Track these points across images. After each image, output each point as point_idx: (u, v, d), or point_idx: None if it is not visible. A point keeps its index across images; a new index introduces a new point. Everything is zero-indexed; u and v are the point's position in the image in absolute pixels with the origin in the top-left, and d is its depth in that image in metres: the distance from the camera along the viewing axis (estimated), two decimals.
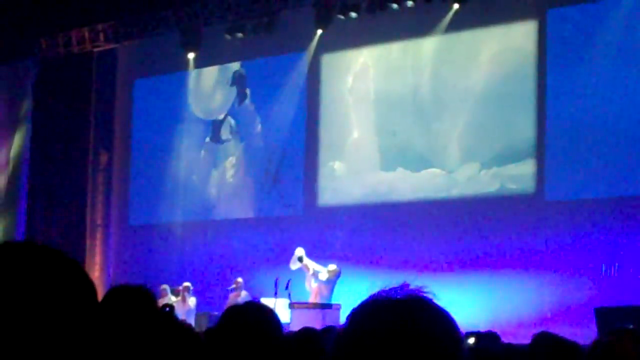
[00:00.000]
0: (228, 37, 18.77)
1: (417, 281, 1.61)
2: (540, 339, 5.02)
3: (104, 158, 20.96)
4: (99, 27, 20.24)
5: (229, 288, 16.64)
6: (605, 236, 14.64)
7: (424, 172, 16.84)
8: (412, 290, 1.59)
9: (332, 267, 15.28)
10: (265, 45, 18.48)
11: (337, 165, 17.97)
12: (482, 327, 9.99)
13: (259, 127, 19.01)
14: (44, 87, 21.24)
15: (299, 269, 15.67)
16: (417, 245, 16.38)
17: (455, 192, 16.49)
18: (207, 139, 19.74)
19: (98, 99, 21.01)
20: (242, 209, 19.09)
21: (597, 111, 15.01)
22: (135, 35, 20.02)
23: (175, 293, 16.85)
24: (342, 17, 17.50)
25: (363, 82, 17.74)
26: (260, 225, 18.58)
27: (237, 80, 19.41)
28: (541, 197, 15.60)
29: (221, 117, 19.59)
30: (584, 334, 9.52)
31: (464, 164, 16.47)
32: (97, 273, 20.05)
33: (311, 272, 15.36)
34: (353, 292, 14.87)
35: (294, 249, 17.51)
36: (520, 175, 15.87)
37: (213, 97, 19.75)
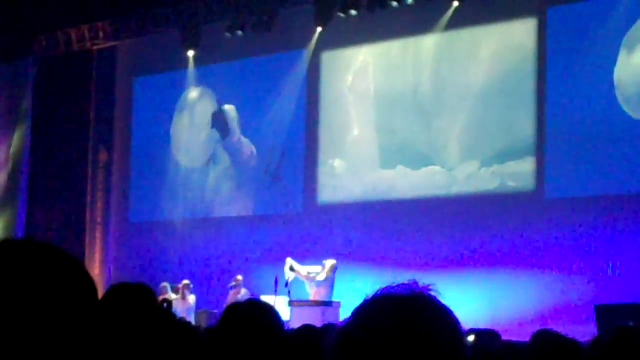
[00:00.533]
0: (228, 34, 18.76)
1: (421, 277, 1.61)
2: (540, 337, 5.02)
3: (103, 155, 20.95)
4: (99, 24, 20.23)
5: (229, 285, 16.65)
6: (604, 233, 14.64)
7: (423, 169, 16.84)
8: (417, 287, 1.59)
9: (329, 263, 15.24)
10: (265, 43, 18.47)
11: (337, 162, 17.97)
12: (482, 325, 10.00)
13: (258, 125, 18.99)
14: (43, 84, 21.23)
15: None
16: (417, 242, 16.38)
17: (455, 189, 16.49)
18: (207, 137, 19.73)
19: (98, 97, 21.00)
20: (241, 207, 19.09)
21: (597, 109, 15.01)
22: (134, 32, 20.01)
23: (175, 290, 16.86)
24: (341, 14, 17.48)
25: (363, 79, 17.74)
26: (260, 223, 18.58)
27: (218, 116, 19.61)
28: (541, 195, 15.60)
29: (221, 115, 19.57)
30: (584, 332, 9.52)
31: (463, 162, 16.47)
32: (96, 270, 20.05)
33: (305, 274, 15.33)
34: (352, 289, 14.88)
35: (294, 247, 17.54)
36: (520, 173, 15.87)
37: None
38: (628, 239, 14.39)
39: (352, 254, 16.52)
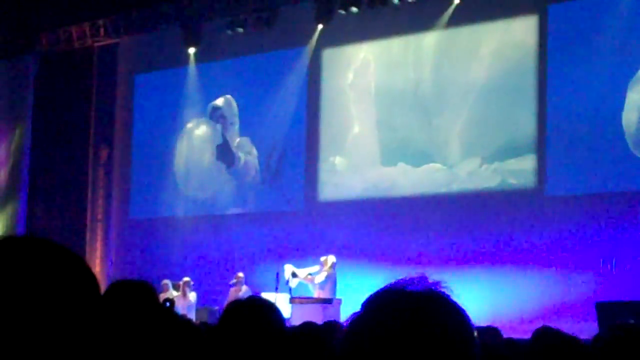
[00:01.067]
0: (229, 32, 18.76)
1: (432, 274, 1.61)
2: (541, 334, 5.02)
3: (104, 153, 20.96)
4: (100, 22, 20.23)
5: (230, 283, 16.66)
6: (606, 231, 14.64)
7: (424, 167, 16.84)
8: (429, 284, 1.59)
9: (328, 260, 15.22)
10: (265, 40, 18.47)
11: (338, 160, 17.97)
12: (483, 322, 10.00)
13: (259, 123, 18.99)
14: (44, 82, 21.24)
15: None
16: (418, 240, 16.38)
17: (456, 187, 16.49)
18: (208, 135, 19.73)
19: (98, 94, 21.01)
20: (242, 204, 19.10)
21: (598, 106, 15.01)
22: (135, 30, 20.01)
23: (176, 288, 16.86)
24: (342, 12, 17.48)
25: (364, 77, 17.73)
26: (261, 220, 18.58)
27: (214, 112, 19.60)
28: (542, 192, 15.60)
29: (222, 112, 19.57)
30: (585, 329, 9.53)
31: (464, 159, 16.47)
32: (97, 268, 20.06)
33: (306, 276, 15.32)
34: (354, 287, 14.90)
35: (295, 244, 17.55)
36: (521, 170, 15.87)
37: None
38: (629, 236, 14.38)
39: (353, 252, 16.52)
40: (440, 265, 15.56)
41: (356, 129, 17.79)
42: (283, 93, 18.63)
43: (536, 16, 16.02)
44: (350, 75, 17.93)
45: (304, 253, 17.13)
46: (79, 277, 1.52)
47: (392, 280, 1.60)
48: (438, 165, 16.71)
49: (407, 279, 1.59)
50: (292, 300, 14.99)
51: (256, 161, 19.04)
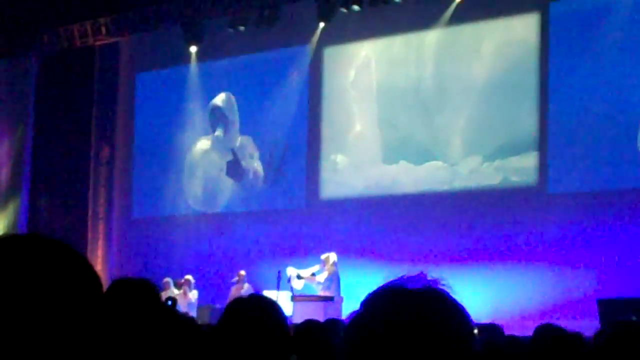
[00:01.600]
0: (230, 30, 18.75)
1: (434, 272, 1.61)
2: (543, 331, 5.03)
3: (106, 151, 20.96)
4: (101, 20, 20.21)
5: (232, 281, 16.67)
6: (607, 228, 14.63)
7: (426, 165, 16.84)
8: (429, 281, 1.59)
9: (330, 259, 15.22)
10: (267, 39, 18.46)
11: (340, 158, 17.97)
12: (485, 319, 10.00)
13: (261, 121, 18.99)
14: (46, 81, 21.23)
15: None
16: (420, 238, 16.39)
17: (458, 184, 16.49)
18: (210, 132, 19.73)
19: (100, 93, 21.01)
20: (244, 202, 19.10)
21: (600, 103, 15.00)
22: (137, 28, 19.99)
23: (178, 286, 16.86)
24: (344, 10, 17.47)
25: (365, 75, 17.73)
26: (262, 218, 18.58)
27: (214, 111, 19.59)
28: (544, 190, 15.60)
29: (223, 110, 19.57)
30: (587, 326, 9.52)
31: (466, 157, 16.47)
32: (99, 266, 20.06)
33: (309, 276, 15.31)
34: (355, 284, 14.89)
35: (297, 242, 17.55)
36: (522, 168, 15.86)
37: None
38: (631, 233, 14.38)
39: (354, 249, 16.52)
40: (442, 262, 15.55)
41: (358, 127, 17.79)
42: (285, 91, 18.62)
43: (538, 14, 16.01)
44: (352, 73, 17.92)
45: (305, 251, 17.13)
46: (82, 275, 1.52)
47: (392, 278, 1.61)
48: (439, 163, 16.71)
49: (406, 276, 1.59)
50: (293, 298, 14.99)
51: (258, 159, 19.03)
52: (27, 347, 1.43)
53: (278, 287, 15.15)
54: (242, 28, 18.68)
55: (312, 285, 15.26)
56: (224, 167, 19.44)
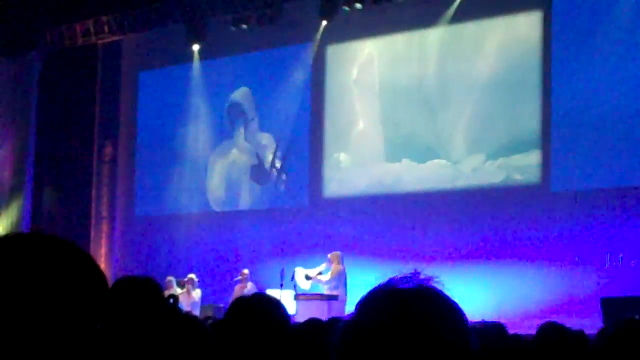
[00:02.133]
0: (233, 28, 18.74)
1: (426, 270, 1.61)
2: (546, 330, 5.02)
3: (109, 150, 20.97)
4: (104, 19, 20.21)
5: (235, 280, 16.67)
6: (611, 226, 14.62)
7: (429, 163, 16.83)
8: (421, 280, 1.59)
9: (335, 257, 15.19)
10: (270, 37, 18.46)
11: (343, 156, 17.96)
12: (488, 318, 10.01)
13: (264, 119, 18.99)
14: (49, 79, 21.24)
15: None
16: (423, 236, 16.38)
17: (461, 183, 16.48)
18: (213, 131, 19.72)
19: (103, 91, 21.01)
20: (247, 201, 19.11)
21: (603, 101, 14.99)
22: (140, 27, 19.98)
23: (181, 285, 16.86)
24: (346, 8, 17.46)
25: (368, 73, 17.72)
26: (265, 217, 18.58)
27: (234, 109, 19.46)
28: (547, 188, 15.59)
29: (242, 108, 19.48)
30: (590, 325, 9.52)
31: (469, 155, 16.46)
32: (102, 265, 20.06)
33: (316, 275, 15.30)
34: (358, 283, 14.88)
35: (300, 241, 17.54)
36: (525, 166, 15.86)
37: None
38: (634, 231, 14.37)
39: (357, 248, 16.52)
40: (444, 261, 15.56)
41: (360, 125, 17.78)
42: (287, 89, 18.62)
43: (540, 11, 16.00)
44: (355, 71, 17.92)
45: (308, 249, 17.14)
46: (87, 272, 1.52)
47: (385, 278, 1.61)
48: (442, 161, 16.70)
49: (399, 276, 1.59)
50: (297, 296, 14.99)
51: (261, 157, 19.05)
52: (33, 344, 1.43)
53: (281, 286, 15.14)
54: (244, 26, 18.68)
55: (320, 285, 15.25)
56: (245, 168, 19.39)
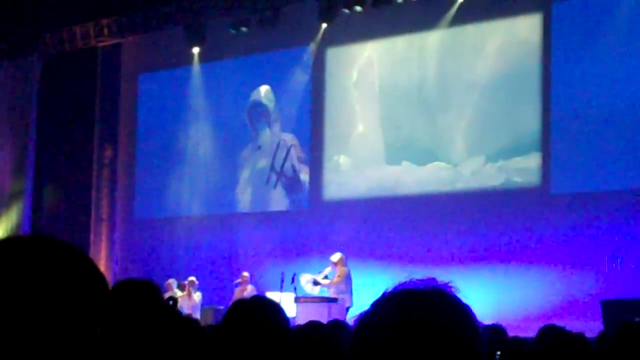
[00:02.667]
0: (233, 31, 18.76)
1: (429, 275, 1.63)
2: (546, 332, 5.02)
3: (108, 152, 20.97)
4: (103, 22, 20.22)
5: (235, 282, 16.67)
6: (610, 229, 14.62)
7: (429, 165, 16.84)
8: (437, 283, 1.60)
9: (338, 259, 15.17)
10: (269, 39, 18.47)
11: (342, 159, 17.97)
12: (488, 320, 10.00)
13: (260, 117, 19.00)
14: (49, 82, 21.24)
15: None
16: (422, 238, 16.38)
17: (461, 185, 16.49)
18: (212, 134, 19.72)
19: (103, 94, 21.02)
20: (247, 203, 19.11)
21: (603, 104, 15.00)
22: (139, 30, 20.00)
23: (181, 287, 16.87)
24: (346, 10, 17.47)
25: (368, 75, 17.73)
26: (265, 220, 18.59)
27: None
28: (547, 190, 15.59)
29: (265, 109, 19.41)
30: (590, 327, 9.51)
31: (469, 157, 16.46)
32: (102, 267, 19.97)
33: (321, 279, 15.28)
34: (358, 285, 14.89)
35: (300, 243, 17.53)
36: (525, 169, 15.86)
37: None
38: (634, 234, 14.37)
39: (357, 250, 16.51)
40: (444, 263, 15.56)
41: (360, 128, 17.79)
42: (287, 92, 18.63)
43: (540, 14, 16.01)
44: (355, 74, 17.93)
45: (308, 252, 17.14)
46: (87, 275, 1.52)
47: (398, 279, 1.63)
48: (442, 164, 16.71)
49: (416, 279, 1.61)
50: (297, 299, 14.98)
51: (261, 160, 19.05)
52: (34, 347, 1.43)
53: (281, 289, 15.14)
54: (244, 29, 18.69)
55: (325, 289, 15.22)
56: (228, 168, 19.40)
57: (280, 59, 18.68)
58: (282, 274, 15.43)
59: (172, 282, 16.96)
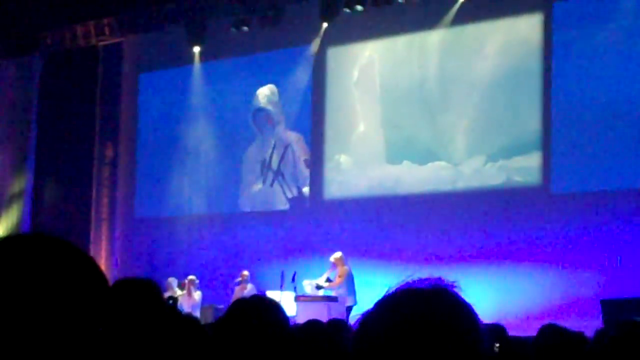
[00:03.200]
0: (234, 30, 18.75)
1: (429, 274, 1.64)
2: (546, 331, 5.02)
3: (109, 151, 20.97)
4: (104, 21, 20.22)
5: (235, 281, 16.67)
6: (611, 228, 14.62)
7: (429, 165, 16.83)
8: (441, 283, 1.61)
9: (338, 260, 15.17)
10: (270, 39, 18.46)
11: (343, 158, 17.97)
12: (488, 320, 10.01)
13: (264, 120, 19.00)
14: (49, 81, 21.25)
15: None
16: (423, 238, 16.38)
17: (461, 184, 16.48)
18: (213, 133, 19.72)
19: (103, 93, 21.02)
20: (247, 202, 19.10)
21: (604, 103, 14.99)
22: (140, 29, 19.99)
23: (181, 286, 16.87)
24: (347, 10, 17.47)
25: (369, 75, 17.73)
26: (266, 219, 18.58)
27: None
28: (547, 190, 15.59)
29: (267, 113, 19.41)
30: (590, 326, 9.50)
31: (470, 157, 16.46)
32: (102, 266, 19.95)
33: (325, 281, 15.26)
34: (358, 284, 14.89)
35: (300, 243, 17.53)
36: (526, 168, 15.85)
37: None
38: (634, 233, 14.37)
39: (358, 250, 16.50)
40: (445, 262, 15.55)
41: (361, 127, 17.79)
42: (288, 91, 18.63)
43: (541, 13, 16.00)
44: (355, 74, 17.92)
45: (309, 251, 17.14)
46: (88, 273, 1.53)
47: (398, 278, 1.64)
48: (443, 163, 16.70)
49: (420, 278, 1.62)
50: (297, 298, 14.97)
51: (261, 159, 19.04)
52: (34, 345, 1.43)
53: (281, 288, 15.14)
54: (245, 28, 18.68)
55: (330, 290, 15.20)
56: (228, 167, 19.40)
57: (281, 58, 18.68)
58: (283, 272, 15.43)
59: (173, 280, 16.96)
